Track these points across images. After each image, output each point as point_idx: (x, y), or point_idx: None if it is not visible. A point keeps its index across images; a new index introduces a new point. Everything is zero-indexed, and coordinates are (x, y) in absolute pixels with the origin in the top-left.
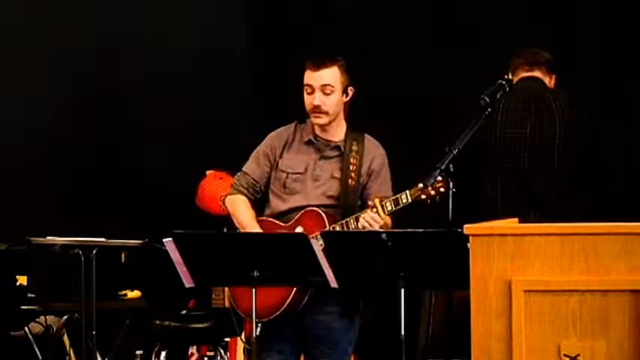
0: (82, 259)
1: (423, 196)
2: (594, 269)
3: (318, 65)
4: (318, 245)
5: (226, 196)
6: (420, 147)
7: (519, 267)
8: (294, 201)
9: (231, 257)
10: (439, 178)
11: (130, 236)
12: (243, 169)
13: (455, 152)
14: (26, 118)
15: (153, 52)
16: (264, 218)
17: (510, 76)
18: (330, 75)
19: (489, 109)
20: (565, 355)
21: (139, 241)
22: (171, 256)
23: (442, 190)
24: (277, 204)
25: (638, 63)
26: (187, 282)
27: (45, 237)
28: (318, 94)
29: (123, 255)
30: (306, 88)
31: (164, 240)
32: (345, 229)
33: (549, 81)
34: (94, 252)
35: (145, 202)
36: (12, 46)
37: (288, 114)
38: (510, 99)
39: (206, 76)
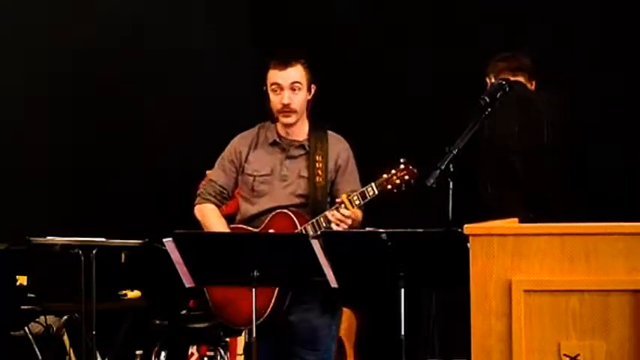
0: (82, 259)
1: (389, 187)
2: (594, 269)
3: (286, 64)
4: (318, 245)
5: (194, 205)
6: (420, 147)
7: (519, 267)
8: (263, 203)
9: (231, 257)
10: (402, 166)
11: (130, 236)
12: (210, 176)
13: (455, 152)
14: (26, 118)
15: (153, 52)
16: (235, 226)
17: (492, 79)
18: (297, 73)
19: (489, 109)
20: (565, 355)
21: (139, 241)
22: (171, 256)
23: (407, 177)
24: (247, 208)
25: (638, 63)
26: (187, 282)
27: (45, 237)
28: (287, 92)
29: (123, 255)
30: (273, 87)
31: (164, 240)
32: (317, 228)
33: (530, 87)
34: (94, 252)
35: (145, 202)
36: (12, 46)
37: None
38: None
39: (206, 76)
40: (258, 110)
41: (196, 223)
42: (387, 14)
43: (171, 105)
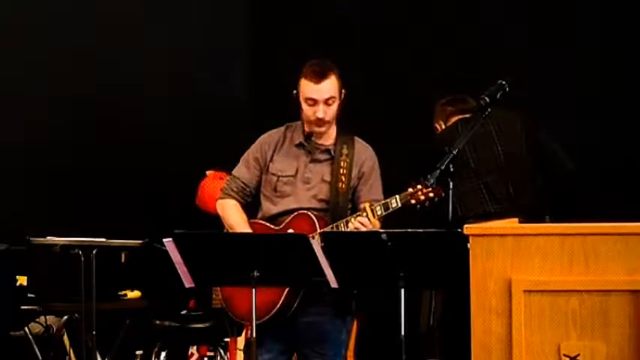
0: (82, 259)
1: (413, 201)
2: (594, 269)
3: (320, 78)
4: (318, 245)
5: (217, 200)
6: (419, 147)
7: (519, 267)
8: (286, 204)
9: (231, 257)
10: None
11: (130, 236)
12: (233, 172)
13: (455, 152)
14: (26, 118)
15: (153, 52)
16: (255, 221)
17: (443, 125)
18: (332, 86)
19: (489, 109)
20: (565, 355)
21: (139, 241)
22: (171, 256)
23: (432, 195)
24: (269, 207)
25: (638, 63)
26: (187, 282)
27: (45, 237)
28: (322, 106)
29: (123, 255)
30: (307, 101)
31: (164, 240)
32: None
33: None
34: (94, 252)
35: (145, 202)
36: (12, 46)
37: (288, 114)
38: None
39: (206, 76)
40: (257, 111)
41: (196, 223)
42: (387, 14)
43: (172, 105)
